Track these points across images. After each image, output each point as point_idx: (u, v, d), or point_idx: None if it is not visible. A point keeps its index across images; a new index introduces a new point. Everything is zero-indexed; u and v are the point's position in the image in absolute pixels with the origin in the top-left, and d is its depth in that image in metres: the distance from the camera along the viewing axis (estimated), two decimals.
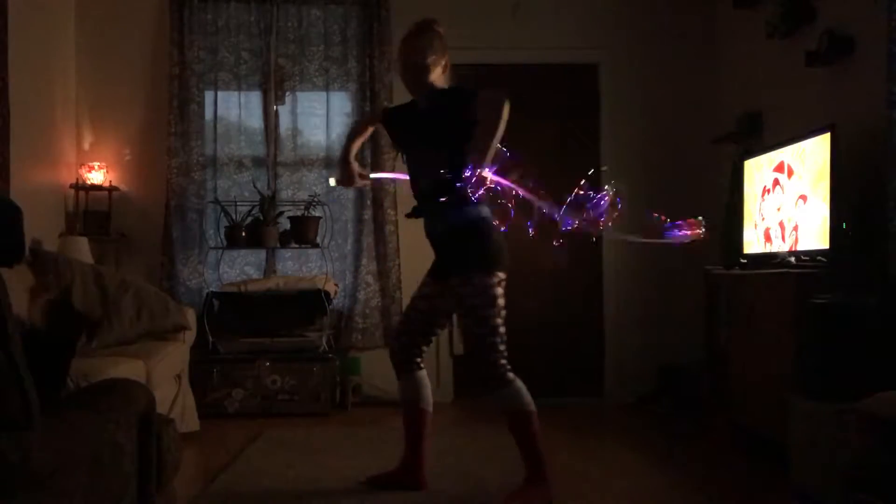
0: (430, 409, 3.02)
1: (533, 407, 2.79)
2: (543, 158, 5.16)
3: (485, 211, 2.83)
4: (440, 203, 2.74)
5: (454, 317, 3.10)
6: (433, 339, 3.03)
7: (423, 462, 3.00)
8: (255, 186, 4.96)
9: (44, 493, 1.58)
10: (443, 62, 2.90)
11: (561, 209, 2.65)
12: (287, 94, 5.05)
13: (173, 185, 4.91)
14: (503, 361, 2.77)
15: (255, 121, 5.09)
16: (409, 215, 2.95)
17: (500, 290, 2.79)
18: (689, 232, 2.73)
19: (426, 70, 2.85)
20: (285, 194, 5.00)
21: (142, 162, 5.04)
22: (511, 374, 2.77)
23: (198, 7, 4.97)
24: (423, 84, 2.88)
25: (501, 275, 2.80)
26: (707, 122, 4.99)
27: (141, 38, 5.04)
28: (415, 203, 2.94)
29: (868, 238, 3.22)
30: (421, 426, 2.98)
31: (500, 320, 2.78)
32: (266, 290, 4.68)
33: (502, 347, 2.77)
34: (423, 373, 3.02)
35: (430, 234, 2.92)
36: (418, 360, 3.00)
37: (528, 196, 2.66)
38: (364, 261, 4.96)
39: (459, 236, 2.80)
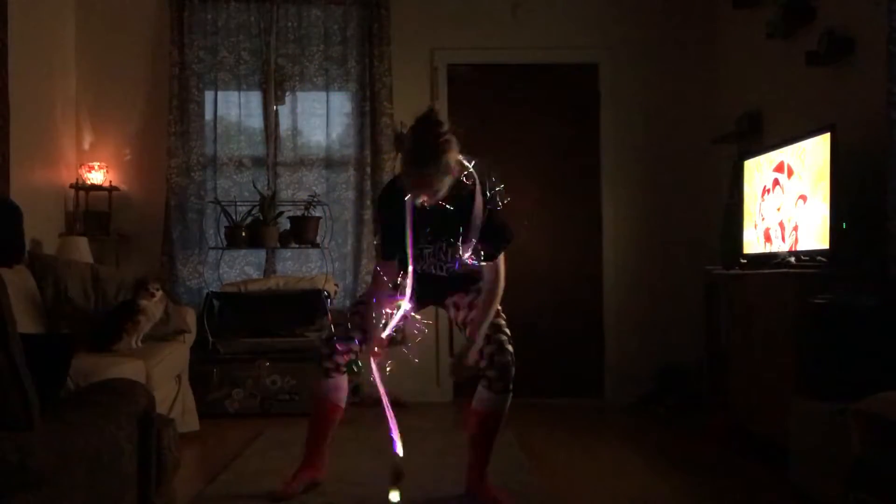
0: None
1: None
2: (544, 158, 5.18)
3: None
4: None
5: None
6: None
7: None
8: (255, 186, 4.96)
9: (44, 493, 1.58)
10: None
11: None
12: (287, 94, 5.05)
13: (173, 185, 4.91)
14: None
15: (255, 121, 5.09)
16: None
17: None
18: None
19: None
20: (285, 194, 5.00)
21: (142, 162, 5.04)
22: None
23: (198, 7, 4.97)
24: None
25: None
26: (707, 122, 4.99)
27: (141, 38, 5.05)
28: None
29: (868, 238, 3.22)
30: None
31: None
32: (266, 290, 4.68)
33: None
34: None
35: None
36: None
37: None
38: (364, 261, 4.96)
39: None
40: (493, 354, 2.75)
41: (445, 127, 2.53)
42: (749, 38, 4.50)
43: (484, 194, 2.67)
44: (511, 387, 2.78)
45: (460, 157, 2.62)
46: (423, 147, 2.50)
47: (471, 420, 2.86)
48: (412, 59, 5.08)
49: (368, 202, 4.97)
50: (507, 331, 2.83)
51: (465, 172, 2.65)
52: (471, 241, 2.69)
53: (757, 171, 3.89)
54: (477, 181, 2.67)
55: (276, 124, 5.07)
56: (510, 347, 2.77)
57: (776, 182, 3.69)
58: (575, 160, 5.19)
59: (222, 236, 4.88)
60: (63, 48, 4.90)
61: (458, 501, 2.87)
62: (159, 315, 4.00)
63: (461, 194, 2.65)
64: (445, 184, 2.56)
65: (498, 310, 2.86)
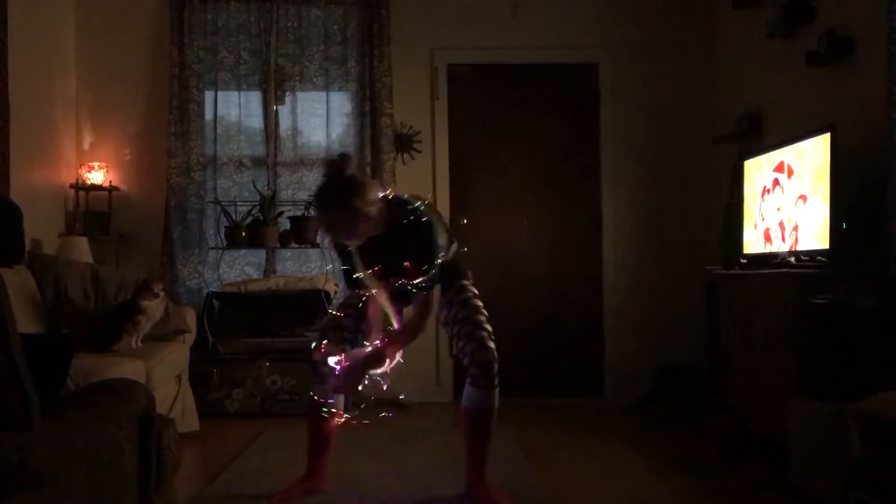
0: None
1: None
2: (544, 158, 5.18)
3: None
4: None
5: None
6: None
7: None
8: (255, 186, 4.96)
9: (44, 493, 1.58)
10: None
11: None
12: (287, 94, 5.05)
13: (173, 185, 4.91)
14: None
15: (255, 121, 5.09)
16: None
17: None
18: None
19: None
20: (285, 194, 5.00)
21: (142, 162, 5.04)
22: None
23: (198, 7, 4.97)
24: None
25: None
26: (707, 122, 4.99)
27: (141, 38, 5.05)
28: None
29: (868, 238, 3.22)
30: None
31: None
32: (266, 290, 4.68)
33: None
34: None
35: None
36: None
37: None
38: None
39: None
40: (474, 352, 2.78)
41: (350, 172, 2.59)
42: (749, 38, 4.50)
43: (415, 229, 2.70)
44: (496, 382, 2.79)
45: (384, 196, 2.69)
46: (326, 191, 2.60)
47: (462, 419, 2.88)
48: (412, 59, 5.08)
49: None
50: (488, 327, 2.84)
51: (403, 208, 2.71)
52: (412, 271, 2.73)
53: (757, 171, 3.89)
54: (410, 216, 2.71)
55: (276, 124, 5.07)
56: (491, 344, 2.80)
57: (776, 182, 3.69)
58: (575, 160, 5.19)
59: (222, 236, 4.88)
60: (63, 48, 4.90)
61: (458, 501, 2.87)
62: (159, 315, 4.00)
63: (400, 227, 2.69)
64: (361, 224, 2.61)
65: (479, 306, 2.89)
